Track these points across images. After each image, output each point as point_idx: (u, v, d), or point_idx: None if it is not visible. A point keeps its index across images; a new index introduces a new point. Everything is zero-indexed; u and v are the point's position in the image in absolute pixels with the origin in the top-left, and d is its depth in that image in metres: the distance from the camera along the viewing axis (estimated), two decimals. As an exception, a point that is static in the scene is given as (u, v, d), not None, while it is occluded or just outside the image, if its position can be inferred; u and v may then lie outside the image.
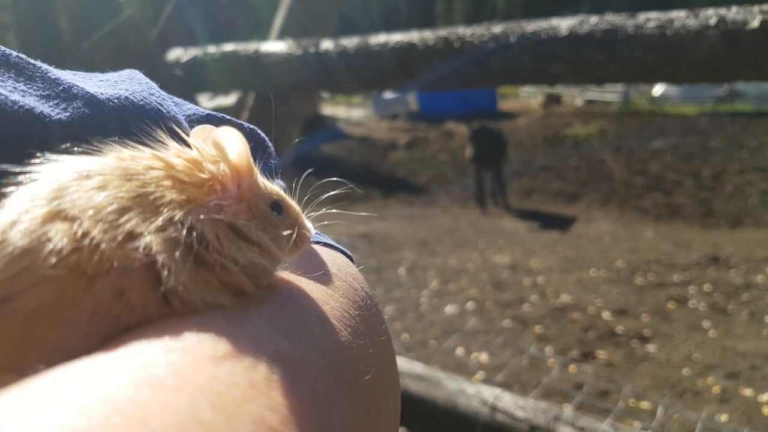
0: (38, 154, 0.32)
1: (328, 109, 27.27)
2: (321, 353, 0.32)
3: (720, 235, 8.22)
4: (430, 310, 5.72)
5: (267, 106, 2.08)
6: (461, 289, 6.30)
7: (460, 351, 4.76)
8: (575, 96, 26.83)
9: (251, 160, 0.37)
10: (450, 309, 5.74)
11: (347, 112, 27.85)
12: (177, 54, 2.22)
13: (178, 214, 0.31)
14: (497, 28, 1.50)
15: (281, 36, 2.18)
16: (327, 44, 1.78)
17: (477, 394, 2.03)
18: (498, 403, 1.97)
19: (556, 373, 4.25)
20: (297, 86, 1.92)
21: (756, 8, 1.21)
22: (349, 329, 0.38)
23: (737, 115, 19.51)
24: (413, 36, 1.65)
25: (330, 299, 0.39)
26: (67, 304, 0.27)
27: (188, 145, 0.37)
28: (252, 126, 0.56)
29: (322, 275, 0.43)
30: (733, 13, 1.24)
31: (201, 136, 0.40)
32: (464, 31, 1.57)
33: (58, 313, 0.27)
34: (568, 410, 1.98)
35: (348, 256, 0.54)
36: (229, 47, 2.08)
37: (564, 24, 1.42)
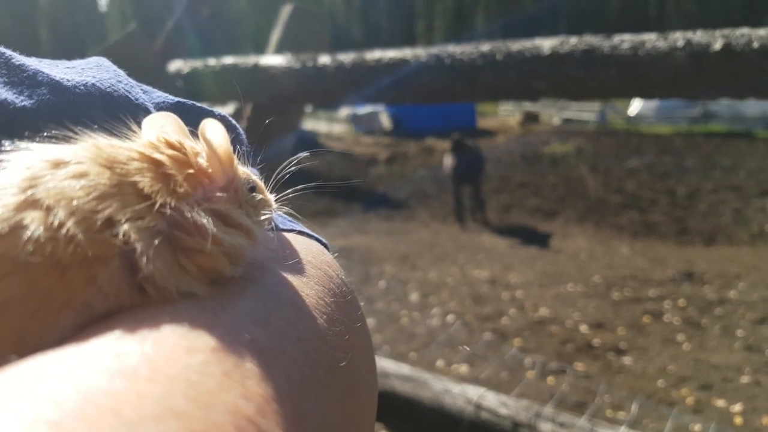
0: (4, 143, 0.31)
1: (309, 124, 27.28)
2: (296, 341, 0.32)
3: (694, 252, 8.40)
4: (411, 323, 5.78)
5: (263, 116, 2.17)
6: (441, 302, 6.36)
7: (440, 363, 4.82)
8: (553, 115, 27.19)
9: (232, 151, 0.37)
10: (430, 322, 5.80)
11: (328, 126, 27.89)
12: (178, 66, 2.31)
13: (160, 202, 0.30)
14: (485, 47, 1.61)
15: (278, 50, 2.28)
16: (324, 59, 1.88)
17: (462, 393, 2.11)
18: (482, 401, 2.05)
19: (535, 382, 4.34)
20: (295, 98, 2.01)
21: (718, 32, 1.34)
22: (324, 316, 0.37)
23: (711, 135, 19.93)
24: (406, 53, 1.76)
25: (305, 287, 0.39)
26: (39, 293, 0.26)
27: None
28: (223, 114, 0.56)
29: (297, 263, 0.42)
30: (698, 36, 1.36)
31: (168, 125, 0.38)
32: (454, 49, 1.67)
33: (29, 303, 0.26)
34: (548, 408, 2.07)
35: (323, 244, 0.53)
36: (229, 60, 2.16)
37: (546, 44, 1.53)
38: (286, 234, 0.48)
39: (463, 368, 4.69)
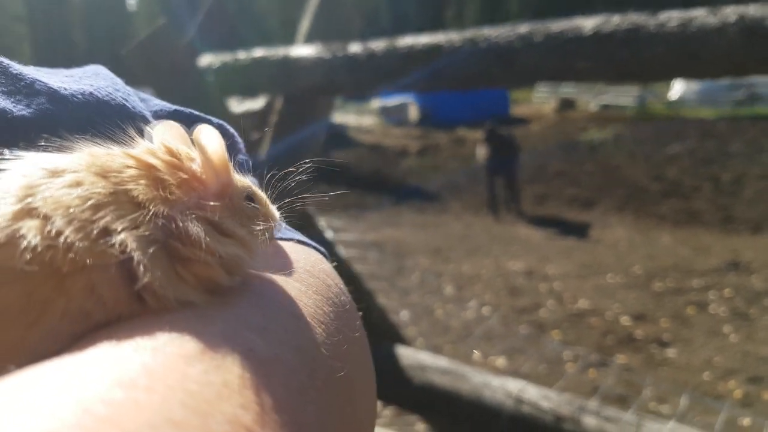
0: (2, 151, 0.32)
1: (338, 117, 27.22)
2: (294, 350, 0.32)
3: (740, 240, 8.14)
4: (445, 316, 5.73)
5: (293, 109, 2.15)
6: (476, 294, 6.30)
7: (476, 356, 4.77)
8: (589, 100, 26.63)
9: (227, 157, 0.37)
10: (465, 314, 5.74)
11: (357, 119, 27.84)
12: (209, 60, 2.30)
13: (155, 211, 0.30)
14: (523, 29, 1.55)
15: (308, 40, 2.25)
16: (355, 47, 1.84)
17: (502, 386, 2.06)
18: (523, 395, 2.00)
19: (576, 376, 4.26)
20: (326, 89, 1.98)
21: (776, 4, 1.25)
22: (322, 326, 0.37)
23: (757, 118, 19.19)
24: (440, 38, 1.70)
25: (303, 296, 0.39)
26: (38, 303, 0.27)
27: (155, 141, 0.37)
28: (221, 121, 0.56)
29: (295, 272, 0.42)
30: (752, 10, 1.27)
31: (170, 133, 0.39)
32: (490, 31, 1.61)
33: (28, 313, 0.26)
34: (592, 401, 2.00)
35: (322, 253, 0.53)
36: (258, 53, 2.15)
37: (588, 23, 1.46)
38: (283, 243, 0.48)
39: (500, 361, 4.63)
